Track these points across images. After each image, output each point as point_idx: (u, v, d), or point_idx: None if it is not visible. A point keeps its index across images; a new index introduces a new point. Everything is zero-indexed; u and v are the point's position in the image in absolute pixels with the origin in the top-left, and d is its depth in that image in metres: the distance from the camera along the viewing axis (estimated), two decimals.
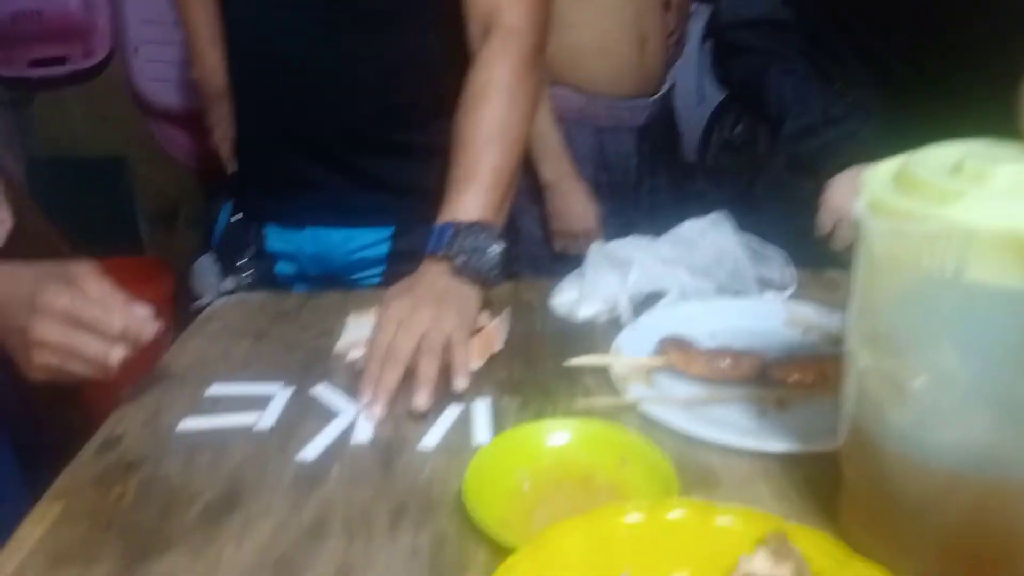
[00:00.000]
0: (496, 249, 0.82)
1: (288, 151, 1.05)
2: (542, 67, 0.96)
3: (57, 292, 0.68)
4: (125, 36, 2.17)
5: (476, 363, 0.79)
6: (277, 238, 1.11)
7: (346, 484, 0.65)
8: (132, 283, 0.97)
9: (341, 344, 0.84)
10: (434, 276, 0.81)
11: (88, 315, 0.69)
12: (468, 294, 0.81)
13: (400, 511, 0.61)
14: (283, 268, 1.12)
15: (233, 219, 1.13)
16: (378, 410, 0.73)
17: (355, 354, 0.82)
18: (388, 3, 0.98)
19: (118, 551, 0.59)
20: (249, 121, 1.10)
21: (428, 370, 0.74)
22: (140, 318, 0.71)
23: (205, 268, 2.02)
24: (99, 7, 2.17)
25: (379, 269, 1.08)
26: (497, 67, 0.90)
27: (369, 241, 1.07)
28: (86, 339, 0.68)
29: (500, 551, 0.53)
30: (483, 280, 0.82)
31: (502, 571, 0.48)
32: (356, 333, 0.84)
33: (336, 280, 1.10)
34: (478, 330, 0.82)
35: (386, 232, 1.07)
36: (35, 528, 0.61)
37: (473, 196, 0.84)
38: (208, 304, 2.00)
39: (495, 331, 0.83)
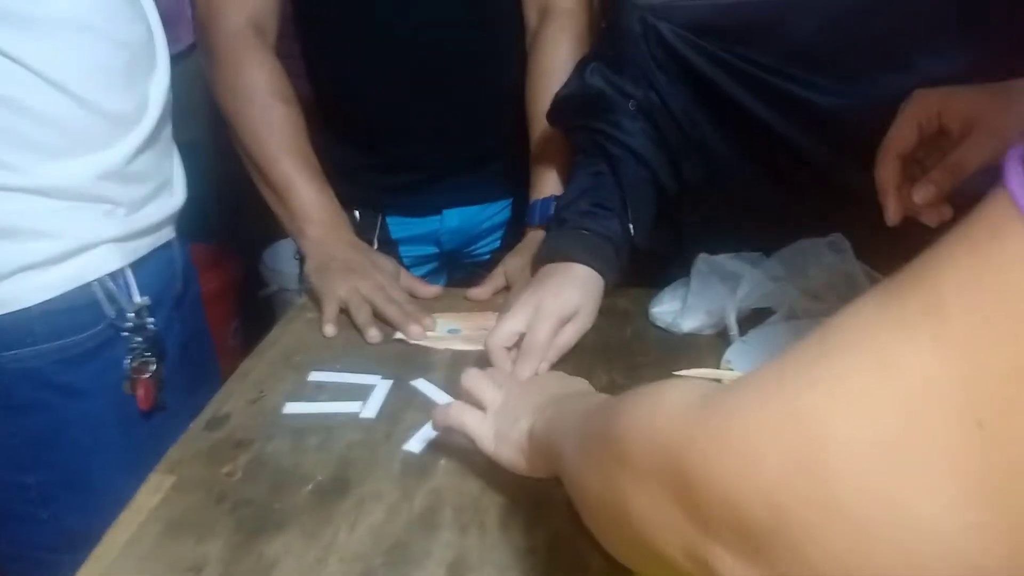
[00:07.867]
0: None
1: (416, 142, 1.11)
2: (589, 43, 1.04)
3: None
4: None
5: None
6: (400, 226, 1.16)
7: (454, 476, 0.65)
8: (201, 268, 0.98)
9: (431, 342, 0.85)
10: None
11: None
12: None
13: (512, 507, 0.61)
14: (407, 251, 1.17)
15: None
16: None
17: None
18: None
19: (231, 527, 0.59)
20: (371, 124, 1.13)
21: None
22: None
23: (275, 257, 2.04)
24: None
25: (499, 233, 1.18)
26: (561, 47, 1.02)
27: (497, 210, 1.18)
28: None
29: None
30: None
31: None
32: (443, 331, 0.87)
33: (457, 257, 1.19)
34: None
35: (506, 201, 1.17)
36: (150, 498, 0.62)
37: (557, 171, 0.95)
38: (273, 292, 2.01)
39: None
